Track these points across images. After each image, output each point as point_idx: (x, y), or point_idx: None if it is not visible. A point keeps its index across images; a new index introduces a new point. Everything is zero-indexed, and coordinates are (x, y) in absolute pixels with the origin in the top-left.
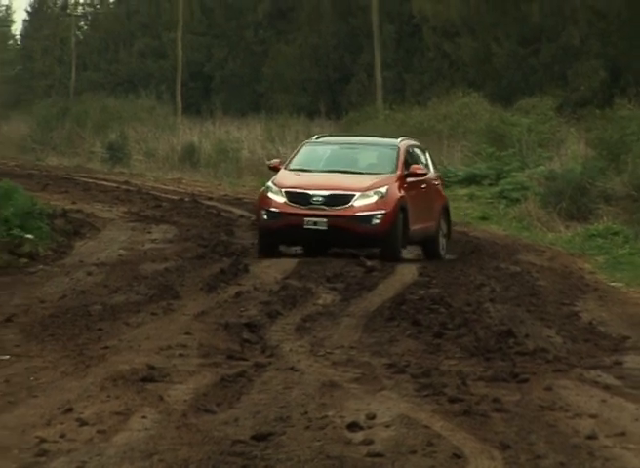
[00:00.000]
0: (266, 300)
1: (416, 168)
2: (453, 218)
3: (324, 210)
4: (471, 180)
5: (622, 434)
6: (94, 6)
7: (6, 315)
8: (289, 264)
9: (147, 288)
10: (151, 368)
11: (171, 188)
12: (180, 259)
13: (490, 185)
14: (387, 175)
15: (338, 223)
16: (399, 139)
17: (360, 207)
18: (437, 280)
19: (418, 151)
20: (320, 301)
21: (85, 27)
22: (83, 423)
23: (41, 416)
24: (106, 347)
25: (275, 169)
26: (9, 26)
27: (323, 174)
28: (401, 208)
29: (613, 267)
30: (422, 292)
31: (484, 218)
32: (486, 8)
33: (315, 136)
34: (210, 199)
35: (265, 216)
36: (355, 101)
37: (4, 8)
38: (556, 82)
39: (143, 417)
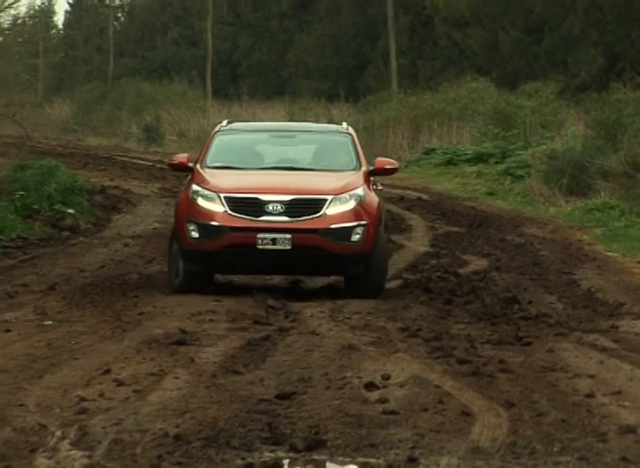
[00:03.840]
0: None
1: (384, 162)
2: (462, 194)
3: (285, 222)
4: (479, 159)
5: (618, 393)
6: None
7: (49, 284)
8: None
9: None
10: (183, 332)
11: None
12: None
13: (496, 163)
14: (351, 173)
15: (306, 241)
16: (344, 125)
17: (335, 216)
18: (447, 251)
19: None
20: None
21: (122, 18)
22: (120, 383)
23: (81, 377)
24: (142, 313)
25: (181, 167)
26: (51, 17)
27: (266, 172)
28: (379, 218)
29: (609, 239)
30: (434, 261)
31: (490, 194)
32: None
33: (225, 122)
34: None
35: (195, 234)
36: (372, 86)
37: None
38: (557, 68)
39: (176, 378)
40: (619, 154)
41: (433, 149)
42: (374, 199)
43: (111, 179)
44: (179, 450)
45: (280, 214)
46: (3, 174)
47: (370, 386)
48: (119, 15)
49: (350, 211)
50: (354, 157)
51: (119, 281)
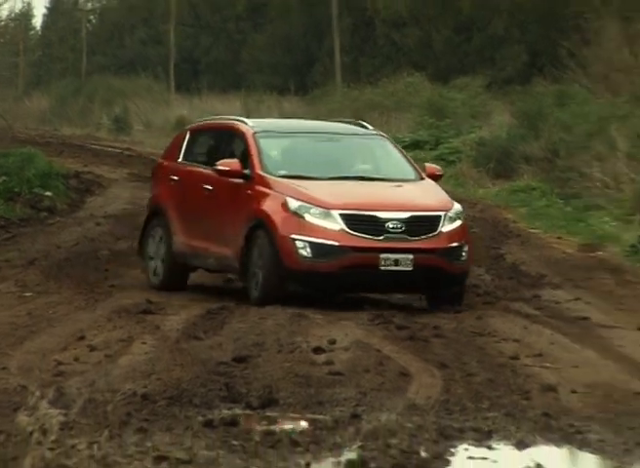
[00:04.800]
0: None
1: (434, 168)
2: None
3: (407, 241)
4: (415, 145)
5: (540, 355)
6: (100, 2)
7: (29, 259)
8: None
9: None
10: (150, 302)
11: None
12: None
13: (430, 149)
14: (429, 184)
15: (427, 261)
16: (369, 126)
17: (450, 235)
18: None
19: None
20: None
21: (94, 20)
22: (93, 348)
23: (58, 343)
24: (112, 285)
25: (236, 174)
26: (30, 19)
27: (356, 183)
28: None
29: (532, 217)
30: None
31: None
32: (427, 2)
33: (248, 121)
34: None
35: (306, 252)
36: (319, 81)
37: (26, 4)
38: (485, 64)
39: (143, 343)
40: (540, 141)
41: None
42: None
43: (84, 165)
44: (146, 409)
45: (400, 232)
46: None
47: (317, 350)
48: (91, 17)
49: (458, 228)
50: (408, 164)
51: (92, 256)
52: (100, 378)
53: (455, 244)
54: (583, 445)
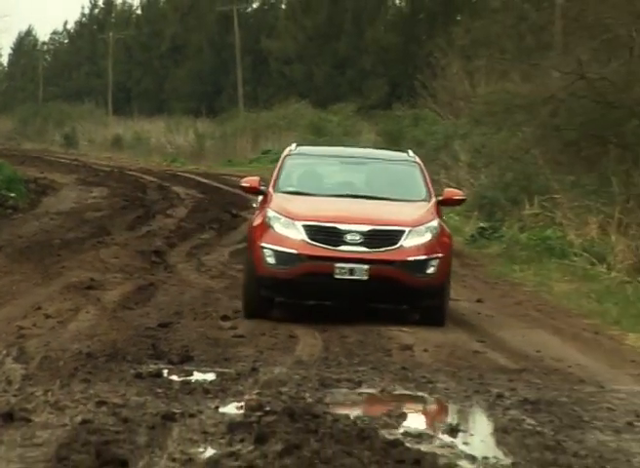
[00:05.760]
0: (168, 236)
1: (453, 192)
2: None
3: (364, 252)
4: None
5: (401, 322)
6: (54, 44)
7: None
8: (182, 211)
9: (90, 228)
10: (92, 280)
11: (105, 163)
12: (111, 209)
13: None
14: (423, 204)
15: (383, 272)
16: (410, 153)
17: (412, 249)
18: None
19: None
20: (203, 236)
21: (49, 58)
22: (48, 316)
23: (20, 312)
24: (63, 267)
25: (253, 190)
26: None
27: (340, 200)
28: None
29: None
30: None
31: None
32: (310, 44)
33: (294, 145)
34: (130, 170)
35: (272, 260)
36: (225, 106)
37: None
38: (355, 93)
39: (87, 312)
40: None
41: (269, 151)
42: (447, 232)
43: (41, 172)
44: (89, 364)
45: (358, 244)
46: None
47: (224, 318)
48: (47, 56)
49: (426, 243)
50: (424, 187)
51: (47, 244)
52: (54, 340)
53: (416, 257)
54: (433, 392)
